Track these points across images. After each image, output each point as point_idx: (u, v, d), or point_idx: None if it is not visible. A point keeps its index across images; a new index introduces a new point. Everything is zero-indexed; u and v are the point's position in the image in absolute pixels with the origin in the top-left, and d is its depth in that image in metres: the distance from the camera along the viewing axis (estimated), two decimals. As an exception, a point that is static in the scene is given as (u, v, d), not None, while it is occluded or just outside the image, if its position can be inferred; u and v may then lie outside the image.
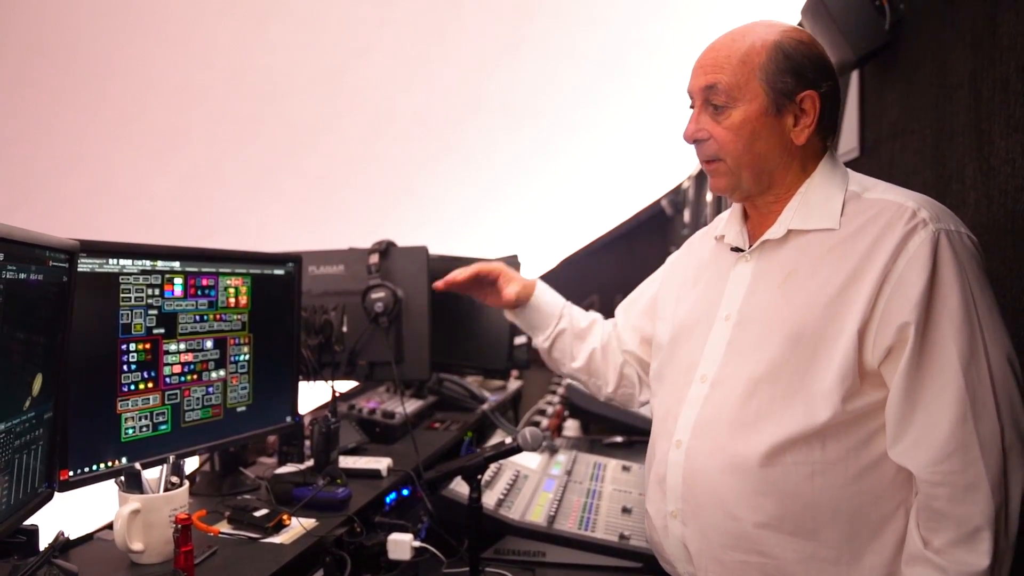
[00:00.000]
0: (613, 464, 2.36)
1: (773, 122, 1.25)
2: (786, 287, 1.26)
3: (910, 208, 1.18)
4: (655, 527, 1.39)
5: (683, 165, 7.28)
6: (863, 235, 1.20)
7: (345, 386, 2.54)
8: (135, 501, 1.32)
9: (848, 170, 1.33)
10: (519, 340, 2.81)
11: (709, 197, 6.04)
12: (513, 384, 3.24)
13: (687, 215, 7.60)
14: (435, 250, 2.43)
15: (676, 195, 8.57)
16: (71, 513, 1.45)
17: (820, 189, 1.28)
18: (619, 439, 2.78)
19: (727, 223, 1.43)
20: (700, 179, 6.73)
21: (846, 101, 2.77)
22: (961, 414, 1.10)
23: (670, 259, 1.68)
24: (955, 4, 1.94)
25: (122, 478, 1.38)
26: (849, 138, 2.74)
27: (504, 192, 6.66)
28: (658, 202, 9.17)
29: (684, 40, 4.88)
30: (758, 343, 1.27)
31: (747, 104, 1.24)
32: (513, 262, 2.80)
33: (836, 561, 1.18)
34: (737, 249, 1.37)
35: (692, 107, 1.31)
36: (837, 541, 1.18)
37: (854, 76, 2.68)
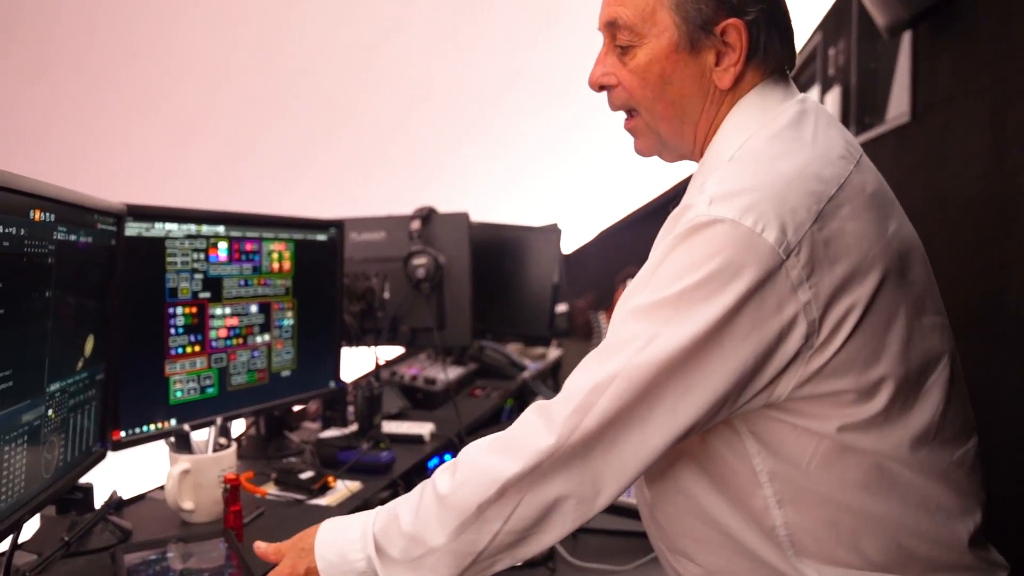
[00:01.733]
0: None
1: (687, 60, 1.00)
2: None
3: (702, 186, 0.95)
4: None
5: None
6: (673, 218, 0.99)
7: (387, 353, 2.56)
8: (185, 461, 1.34)
9: (777, 115, 1.02)
10: (560, 308, 2.80)
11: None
12: (553, 352, 3.23)
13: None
14: (476, 218, 2.43)
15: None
16: (124, 474, 1.48)
17: (713, 151, 1.04)
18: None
19: None
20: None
21: (897, 65, 2.68)
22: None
23: None
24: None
25: (172, 439, 1.41)
26: (900, 103, 2.65)
27: (544, 162, 6.62)
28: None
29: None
30: None
31: (654, 40, 1.00)
32: (553, 231, 2.78)
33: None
34: None
35: None
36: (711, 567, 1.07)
37: (907, 37, 2.59)
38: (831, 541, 0.97)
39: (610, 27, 1.03)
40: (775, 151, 0.97)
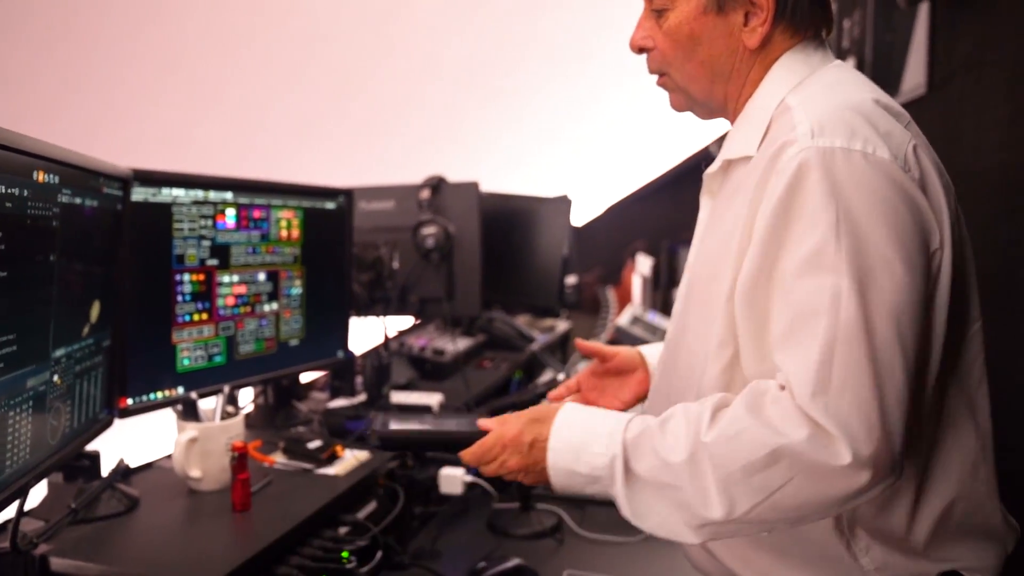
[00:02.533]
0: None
1: (715, 21, 1.02)
2: (704, 238, 1.13)
3: (792, 122, 0.93)
4: None
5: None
6: (758, 165, 0.96)
7: (396, 323, 2.55)
8: (193, 429, 1.34)
9: (823, 70, 1.04)
10: (569, 280, 2.78)
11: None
12: (562, 325, 3.22)
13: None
14: (486, 188, 2.40)
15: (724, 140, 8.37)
16: (131, 442, 1.48)
17: (755, 108, 1.04)
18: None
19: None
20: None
21: (913, 35, 2.63)
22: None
23: None
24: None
25: (179, 407, 1.40)
26: (916, 73, 2.60)
27: (554, 134, 6.56)
28: (707, 148, 8.99)
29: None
30: (682, 303, 1.15)
31: (684, 3, 1.03)
32: (564, 202, 2.76)
33: (758, 549, 1.07)
34: None
35: None
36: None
37: (924, 8, 2.53)
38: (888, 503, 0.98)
39: None
40: (843, 83, 1.00)
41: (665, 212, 9.49)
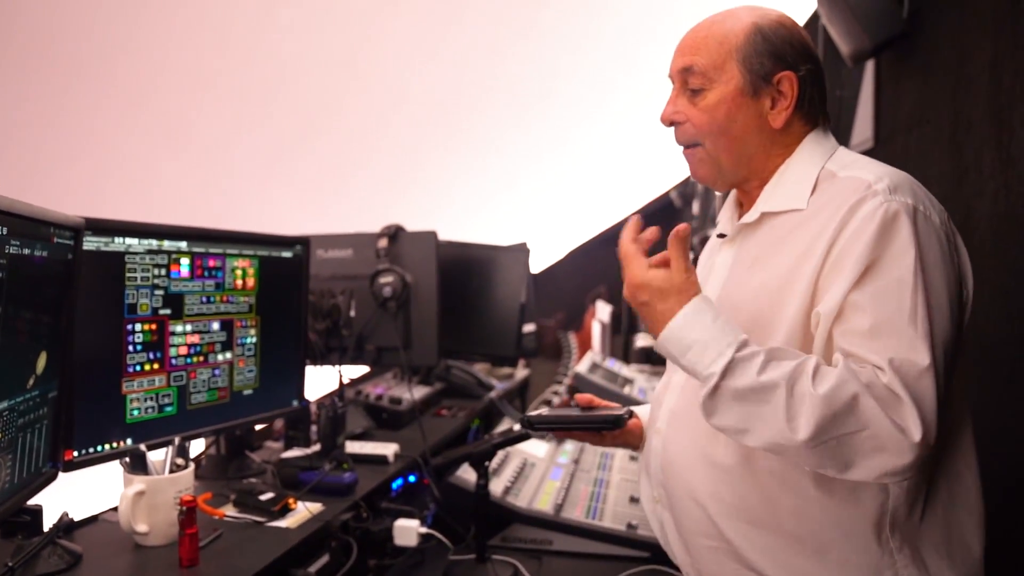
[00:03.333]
0: (621, 454, 2.35)
1: (749, 104, 1.21)
2: (751, 270, 1.23)
3: (867, 181, 1.12)
4: (647, 512, 1.41)
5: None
6: (821, 213, 1.15)
7: (352, 372, 2.53)
8: (140, 482, 1.31)
9: (841, 150, 1.26)
10: (528, 328, 2.79)
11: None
12: (520, 372, 3.22)
13: (696, 207, 7.57)
14: (444, 236, 2.42)
15: (685, 187, 8.54)
16: (76, 494, 1.44)
17: (794, 171, 1.23)
18: (627, 429, 2.76)
19: (722, 211, 1.41)
20: (711, 170, 6.68)
21: (861, 91, 2.74)
22: None
23: None
24: (976, -9, 1.91)
25: (127, 459, 1.37)
26: (863, 128, 2.70)
27: (514, 179, 6.63)
28: (667, 194, 9.14)
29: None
30: None
31: (723, 86, 1.21)
32: (522, 250, 2.78)
33: (800, 552, 1.15)
34: (723, 236, 1.35)
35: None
36: (800, 533, 1.15)
37: (870, 65, 2.64)
38: (930, 514, 1.14)
39: (684, 72, 1.23)
40: (874, 160, 1.21)
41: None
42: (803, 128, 1.25)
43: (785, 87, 1.21)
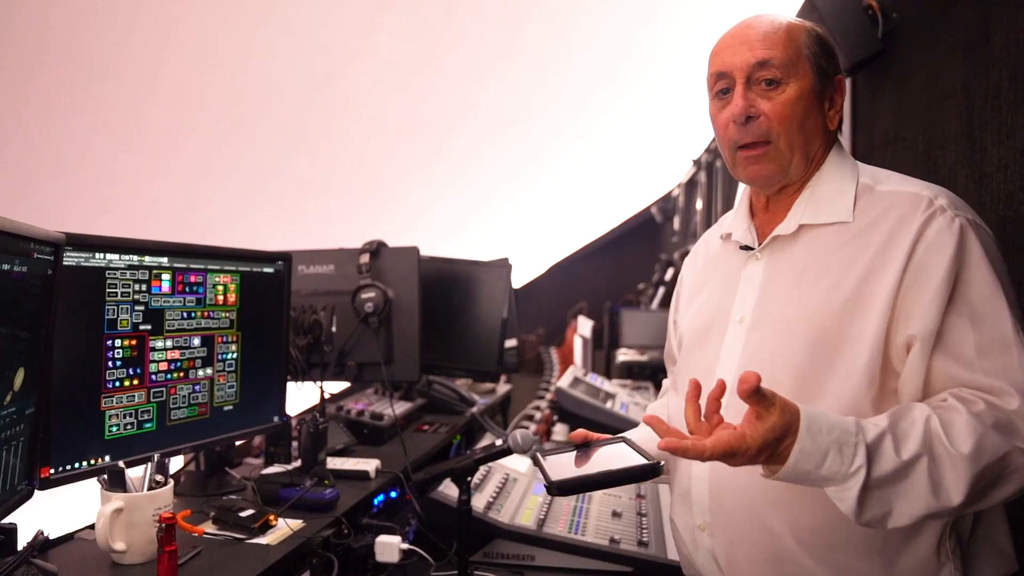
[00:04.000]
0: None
1: (817, 102, 1.22)
2: (800, 286, 1.21)
3: (926, 197, 1.14)
4: (683, 541, 1.34)
5: (673, 173, 7.31)
6: (877, 228, 1.15)
7: (333, 387, 2.52)
8: (118, 500, 1.30)
9: (857, 163, 1.28)
10: (509, 343, 2.80)
11: (699, 205, 6.05)
12: (502, 388, 3.22)
13: (677, 223, 7.63)
14: (426, 252, 2.42)
15: (666, 202, 8.61)
16: (52, 512, 1.42)
17: (830, 182, 1.24)
18: (608, 444, 2.77)
19: (733, 220, 1.37)
20: (690, 187, 6.75)
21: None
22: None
23: (682, 270, 1.57)
24: (947, 14, 1.95)
25: (105, 476, 1.36)
26: (842, 144, 2.74)
27: (495, 197, 6.66)
28: (648, 209, 9.20)
29: (675, 48, 4.90)
30: (775, 347, 1.20)
31: (800, 80, 1.20)
32: (504, 266, 2.79)
33: (868, 571, 1.15)
34: (747, 248, 1.31)
35: (723, 90, 1.25)
36: (869, 550, 1.14)
37: (846, 84, 2.69)
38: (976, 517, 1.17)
39: (758, 66, 1.19)
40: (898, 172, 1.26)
41: (607, 271, 9.65)
42: (834, 135, 1.27)
43: (839, 89, 1.23)
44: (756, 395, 0.96)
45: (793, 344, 1.18)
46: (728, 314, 1.30)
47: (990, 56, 1.74)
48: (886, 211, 1.16)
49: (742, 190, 1.41)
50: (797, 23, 1.23)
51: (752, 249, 1.30)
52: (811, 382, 1.16)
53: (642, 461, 1.14)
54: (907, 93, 2.22)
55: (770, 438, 0.98)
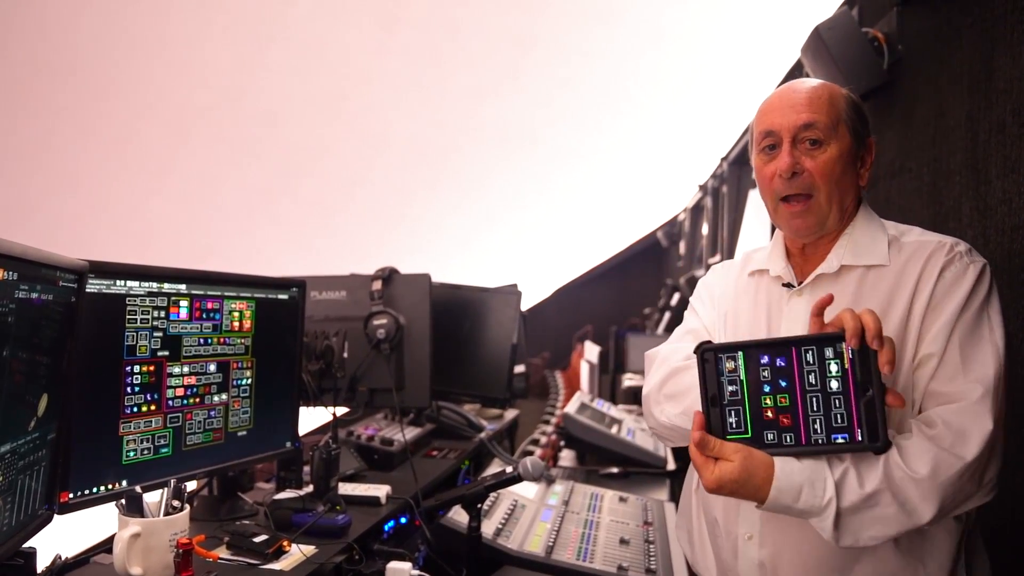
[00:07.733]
0: (610, 495, 2.36)
1: (853, 162, 1.35)
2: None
3: (948, 243, 1.29)
4: (723, 547, 1.40)
5: (679, 197, 7.35)
6: (910, 270, 1.29)
7: (340, 411, 2.54)
8: (136, 525, 1.32)
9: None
10: (518, 369, 2.81)
11: (705, 230, 6.08)
12: (510, 413, 3.23)
13: (682, 247, 7.65)
14: (431, 272, 2.44)
15: (672, 227, 8.64)
16: (68, 535, 1.44)
17: (864, 230, 1.37)
18: (615, 470, 2.78)
19: (770, 258, 1.46)
20: (696, 212, 6.78)
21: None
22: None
23: (701, 290, 1.63)
24: (952, 47, 1.98)
25: (122, 501, 1.38)
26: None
27: (501, 220, 6.69)
28: (653, 233, 9.24)
29: (680, 73, 4.95)
30: None
31: (839, 142, 1.33)
32: (513, 292, 2.82)
33: (905, 568, 1.24)
34: (787, 285, 1.41)
35: (770, 146, 1.37)
36: (910, 549, 1.25)
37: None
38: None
39: (804, 127, 1.33)
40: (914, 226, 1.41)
41: (613, 295, 9.67)
42: (862, 190, 1.41)
43: (870, 150, 1.38)
44: (713, 446, 1.16)
45: None
46: None
47: (994, 91, 1.77)
48: (915, 255, 1.30)
49: (775, 233, 1.51)
50: (837, 90, 1.37)
51: (793, 287, 1.40)
52: None
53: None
54: (912, 125, 2.25)
55: (729, 477, 1.15)
